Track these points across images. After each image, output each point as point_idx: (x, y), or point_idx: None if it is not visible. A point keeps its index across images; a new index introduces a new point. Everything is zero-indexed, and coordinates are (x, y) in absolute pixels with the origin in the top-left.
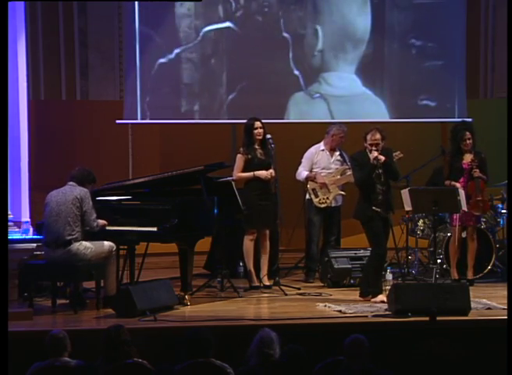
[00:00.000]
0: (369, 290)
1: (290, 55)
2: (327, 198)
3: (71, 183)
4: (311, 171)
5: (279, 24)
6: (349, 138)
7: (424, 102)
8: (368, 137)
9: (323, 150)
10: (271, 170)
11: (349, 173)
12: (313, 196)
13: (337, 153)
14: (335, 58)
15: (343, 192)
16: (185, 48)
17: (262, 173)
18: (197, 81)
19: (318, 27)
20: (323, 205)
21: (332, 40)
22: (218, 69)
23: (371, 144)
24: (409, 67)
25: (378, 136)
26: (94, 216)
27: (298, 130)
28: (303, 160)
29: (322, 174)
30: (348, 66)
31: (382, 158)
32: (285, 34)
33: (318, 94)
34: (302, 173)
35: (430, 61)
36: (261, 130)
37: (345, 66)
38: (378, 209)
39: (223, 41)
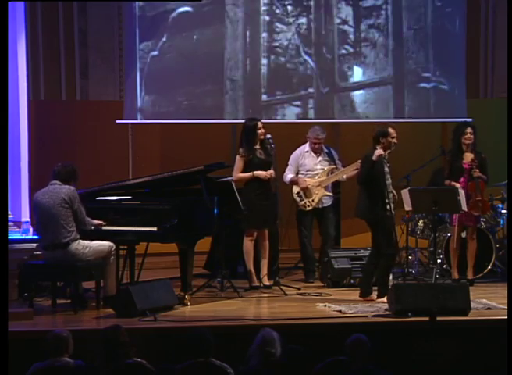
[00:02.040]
0: (370, 290)
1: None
2: (312, 201)
3: (55, 181)
4: (297, 173)
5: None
6: (351, 138)
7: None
8: (391, 130)
9: (307, 151)
10: (271, 171)
11: (336, 172)
12: (298, 199)
13: (323, 153)
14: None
15: (329, 193)
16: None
17: (261, 173)
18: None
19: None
20: (309, 208)
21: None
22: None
23: (394, 137)
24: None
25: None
26: (84, 213)
27: (299, 130)
28: (289, 163)
29: (307, 176)
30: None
31: (382, 151)
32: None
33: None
34: (287, 176)
35: (430, 62)
36: (263, 130)
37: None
38: (393, 211)
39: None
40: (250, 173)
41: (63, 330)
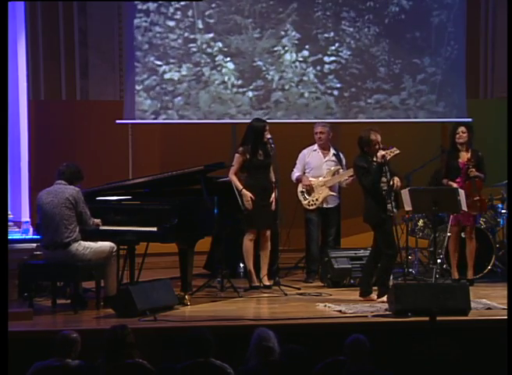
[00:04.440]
0: (370, 290)
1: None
2: (316, 200)
3: (60, 181)
4: (304, 172)
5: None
6: (351, 139)
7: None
8: (373, 137)
9: (315, 150)
10: (249, 197)
11: (341, 172)
12: (301, 198)
13: (331, 154)
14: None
15: (334, 193)
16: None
17: (247, 196)
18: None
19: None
20: (312, 207)
21: None
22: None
23: (377, 143)
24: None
25: (379, 135)
26: (89, 213)
27: (298, 130)
28: (297, 161)
29: (312, 173)
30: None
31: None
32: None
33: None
34: (294, 174)
35: (430, 61)
36: (268, 132)
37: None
38: (393, 212)
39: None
40: (240, 187)
41: (72, 332)
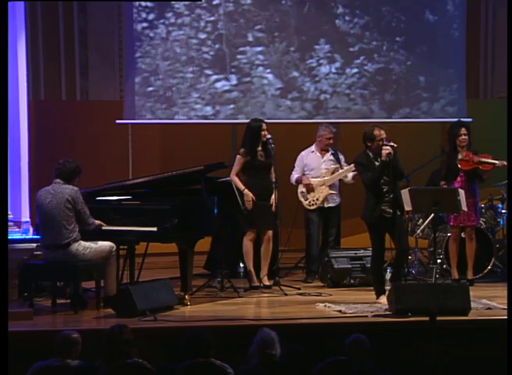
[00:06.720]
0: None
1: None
2: (317, 199)
3: (58, 180)
4: (303, 174)
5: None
6: (351, 140)
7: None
8: (377, 133)
9: (313, 151)
10: (251, 198)
11: (340, 171)
12: (302, 199)
13: (329, 154)
14: None
15: (334, 191)
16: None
17: (249, 195)
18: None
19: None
20: (313, 207)
21: None
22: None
23: (381, 140)
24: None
25: (383, 131)
26: (88, 213)
27: (298, 130)
28: (295, 164)
29: (312, 176)
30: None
31: (390, 149)
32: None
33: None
34: (293, 176)
35: (430, 61)
36: (267, 132)
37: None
38: (388, 209)
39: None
40: (242, 187)
41: (73, 332)
